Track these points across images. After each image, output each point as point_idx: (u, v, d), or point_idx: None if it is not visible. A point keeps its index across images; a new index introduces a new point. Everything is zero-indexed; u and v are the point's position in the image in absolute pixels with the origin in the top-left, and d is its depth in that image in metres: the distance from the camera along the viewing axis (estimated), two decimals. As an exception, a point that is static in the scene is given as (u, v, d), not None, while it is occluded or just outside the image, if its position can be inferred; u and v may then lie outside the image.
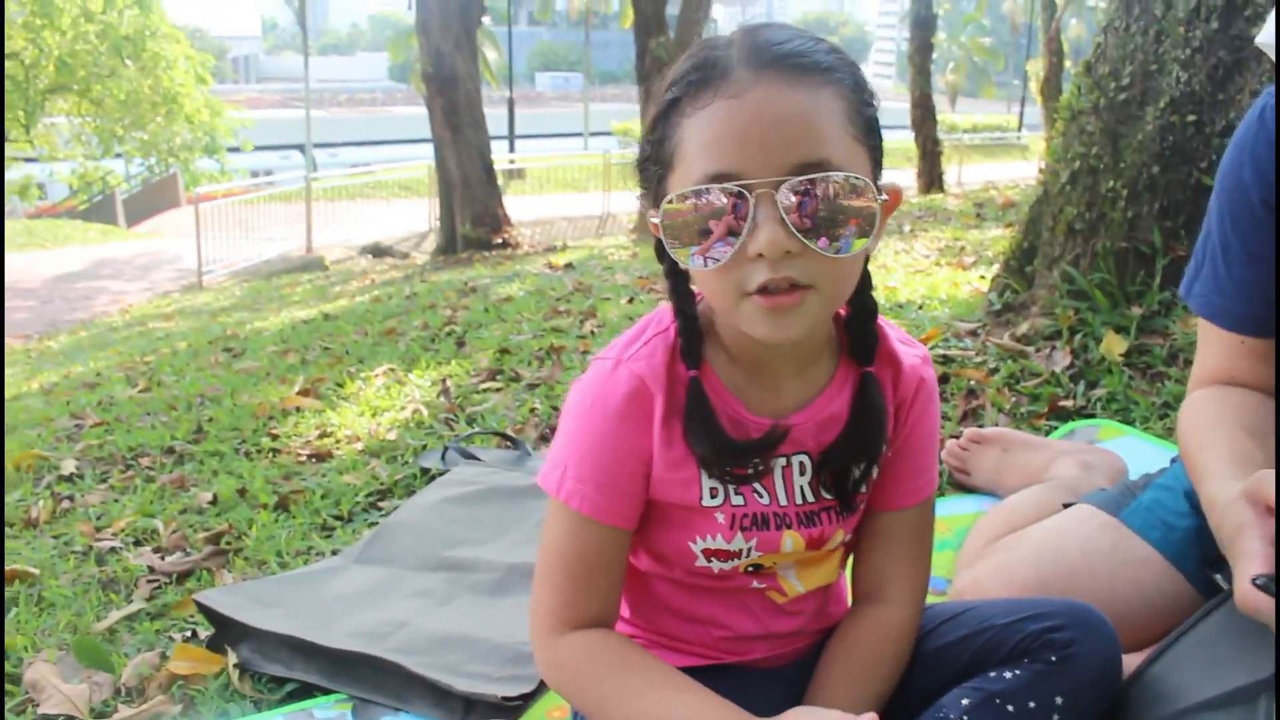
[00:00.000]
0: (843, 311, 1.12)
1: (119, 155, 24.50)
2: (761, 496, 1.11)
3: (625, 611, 1.21)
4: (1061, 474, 1.86)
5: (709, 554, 1.12)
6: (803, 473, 1.12)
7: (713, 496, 1.10)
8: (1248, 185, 1.27)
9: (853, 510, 1.15)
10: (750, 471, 1.09)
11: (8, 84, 20.37)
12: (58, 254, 16.78)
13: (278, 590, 1.85)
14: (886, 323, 1.16)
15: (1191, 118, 2.65)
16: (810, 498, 1.12)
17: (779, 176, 0.93)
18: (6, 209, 24.78)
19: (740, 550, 1.12)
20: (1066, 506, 1.58)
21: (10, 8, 19.71)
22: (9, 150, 22.36)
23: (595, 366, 1.11)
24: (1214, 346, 1.38)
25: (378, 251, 13.85)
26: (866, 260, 1.07)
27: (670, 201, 0.98)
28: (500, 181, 12.27)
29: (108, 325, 9.91)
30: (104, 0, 20.79)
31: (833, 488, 1.12)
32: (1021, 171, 20.57)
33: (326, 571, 1.97)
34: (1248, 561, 1.01)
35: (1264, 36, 2.43)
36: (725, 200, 0.94)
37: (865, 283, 1.09)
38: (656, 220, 1.00)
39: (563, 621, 1.10)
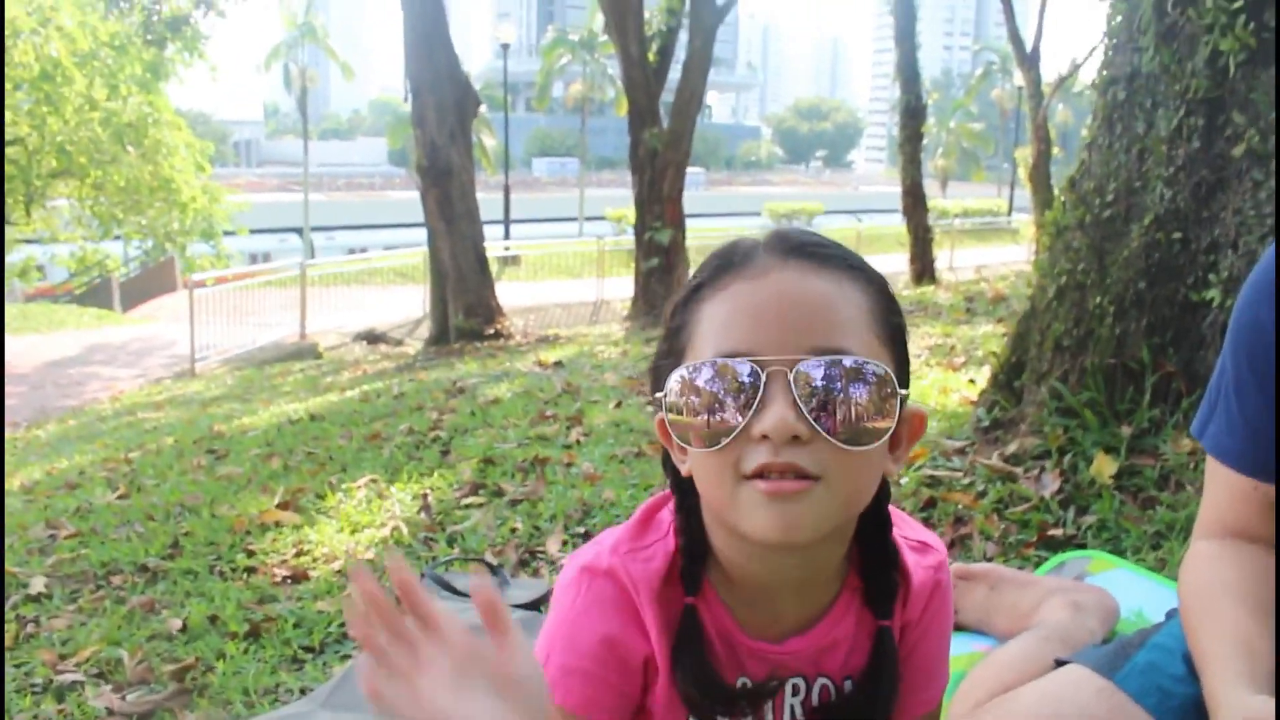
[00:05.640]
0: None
1: (118, 237, 24.64)
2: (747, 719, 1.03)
3: None
4: (1051, 617, 1.80)
5: None
6: (795, 693, 1.04)
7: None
8: (1264, 324, 1.22)
9: None
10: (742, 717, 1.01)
11: (10, 169, 20.55)
12: (52, 338, 16.75)
13: (237, 742, 1.77)
14: (901, 518, 1.07)
15: (1177, 234, 2.64)
16: (800, 716, 1.05)
17: (795, 355, 0.88)
18: (5, 291, 24.88)
19: None
20: (1059, 663, 1.51)
21: (16, 95, 19.95)
22: (10, 233, 22.47)
23: (582, 563, 1.01)
24: (1224, 491, 1.32)
25: (372, 338, 13.82)
26: (886, 484, 0.99)
27: (677, 380, 0.91)
28: (495, 268, 12.32)
29: (97, 414, 9.83)
30: (109, 89, 21.08)
31: None
32: (1012, 255, 20.74)
33: (291, 719, 1.88)
34: None
35: None
36: (734, 377, 0.88)
37: (881, 494, 0.99)
38: (662, 414, 0.93)
39: None
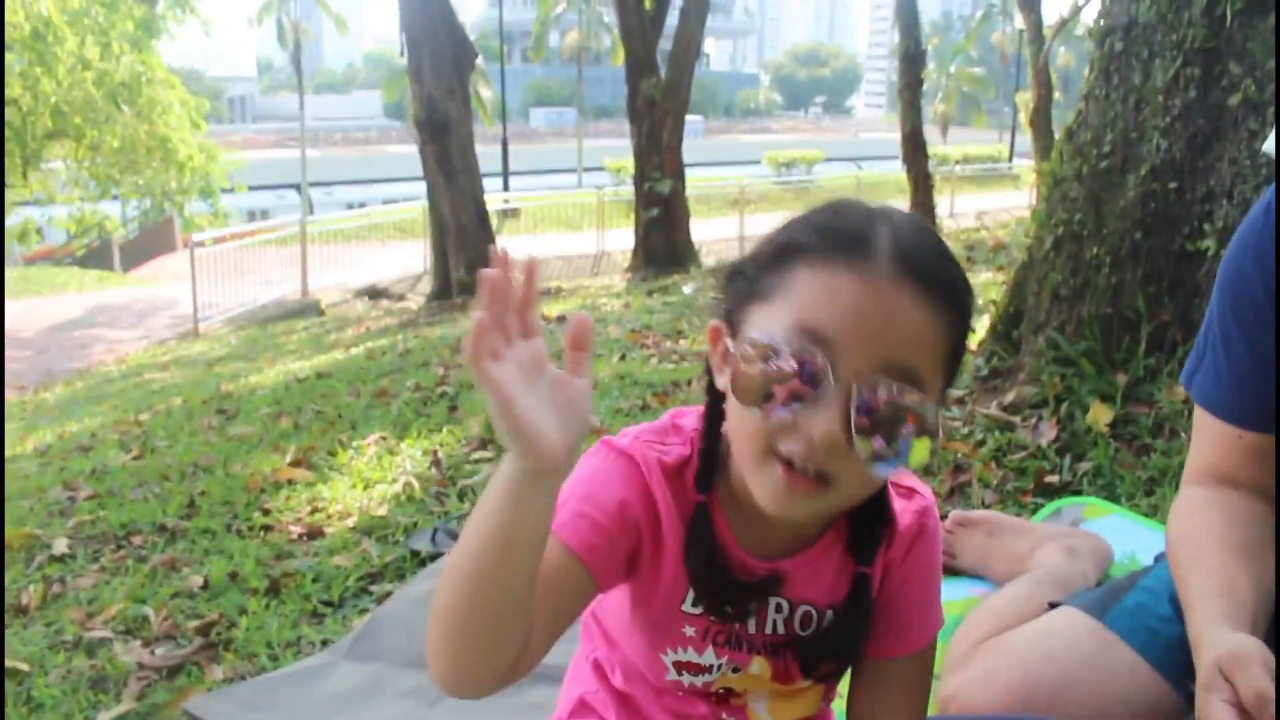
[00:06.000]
0: None
1: (116, 198, 24.54)
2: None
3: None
4: (1047, 562, 1.86)
5: (680, 667, 1.10)
6: (778, 610, 1.10)
7: (694, 604, 1.08)
8: (1251, 277, 1.27)
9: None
10: (743, 610, 1.07)
11: (4, 131, 20.41)
12: (54, 301, 16.78)
13: (267, 693, 1.85)
14: None
15: (1173, 185, 2.67)
16: (781, 631, 1.11)
17: (867, 368, 0.90)
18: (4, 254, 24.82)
19: (712, 666, 1.10)
20: (1052, 606, 1.58)
21: (8, 56, 19.76)
22: (7, 196, 22.37)
23: (605, 440, 1.07)
24: (1211, 438, 1.37)
25: (374, 294, 13.87)
26: None
27: (753, 342, 0.93)
28: (495, 221, 12.31)
29: (104, 376, 9.89)
30: (100, 48, 20.90)
31: (799, 658, 1.10)
32: (1012, 201, 20.66)
33: (316, 669, 1.96)
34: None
35: (1270, 145, 2.46)
36: (806, 364, 0.90)
37: None
38: (733, 350, 0.95)
39: None
